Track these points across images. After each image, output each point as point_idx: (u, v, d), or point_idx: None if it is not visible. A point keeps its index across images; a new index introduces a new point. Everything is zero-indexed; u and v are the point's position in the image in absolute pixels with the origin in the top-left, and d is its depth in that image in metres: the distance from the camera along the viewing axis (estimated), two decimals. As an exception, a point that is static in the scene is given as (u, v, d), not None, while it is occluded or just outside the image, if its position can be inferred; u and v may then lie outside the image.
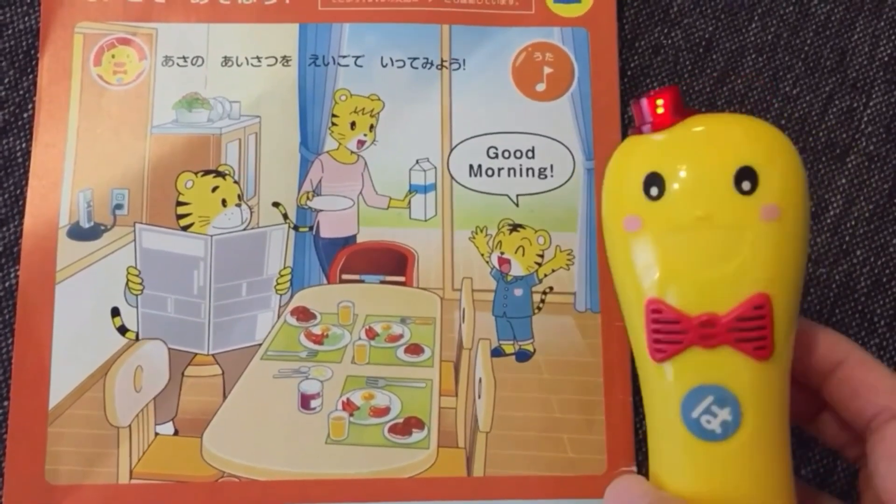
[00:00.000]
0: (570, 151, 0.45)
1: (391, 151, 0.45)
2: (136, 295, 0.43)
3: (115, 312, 0.42)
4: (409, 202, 0.44)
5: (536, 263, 0.44)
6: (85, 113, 0.44)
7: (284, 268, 0.44)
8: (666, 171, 0.31)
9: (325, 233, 0.44)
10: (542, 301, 0.44)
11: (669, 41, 0.47)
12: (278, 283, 0.43)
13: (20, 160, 0.44)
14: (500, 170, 0.45)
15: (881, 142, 0.46)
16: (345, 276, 0.44)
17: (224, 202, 0.44)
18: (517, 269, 0.44)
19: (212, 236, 0.43)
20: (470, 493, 0.41)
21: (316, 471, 0.41)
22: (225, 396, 0.42)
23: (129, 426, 0.41)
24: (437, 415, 0.42)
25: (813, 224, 0.45)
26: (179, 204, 0.43)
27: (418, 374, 0.43)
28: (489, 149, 0.45)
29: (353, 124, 0.45)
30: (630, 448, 0.42)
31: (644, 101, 0.32)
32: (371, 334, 0.43)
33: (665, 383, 0.31)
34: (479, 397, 0.42)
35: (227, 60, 0.45)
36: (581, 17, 0.46)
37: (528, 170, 0.45)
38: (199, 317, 0.43)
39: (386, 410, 0.42)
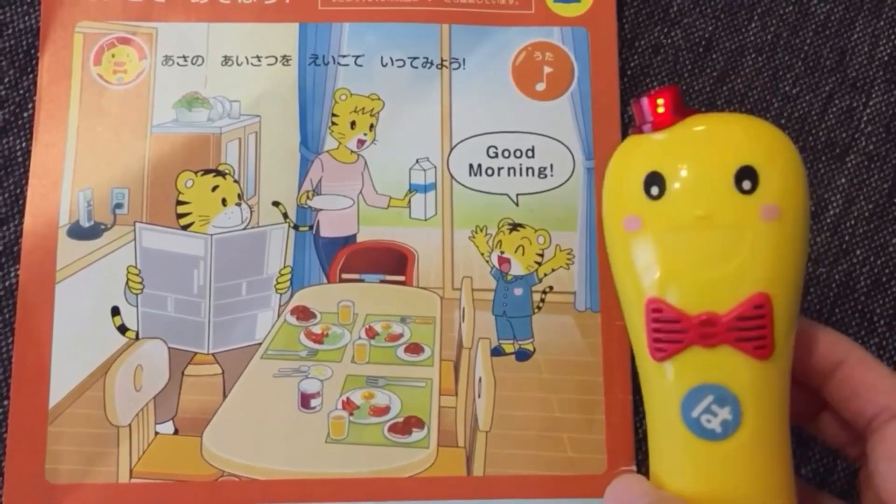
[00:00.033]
0: (570, 151, 0.45)
1: (391, 151, 0.45)
2: (136, 294, 0.43)
3: (115, 311, 0.42)
4: (409, 201, 0.44)
5: (536, 263, 0.44)
6: (85, 112, 0.44)
7: (284, 267, 0.44)
8: (666, 171, 0.31)
9: (325, 232, 0.44)
10: (542, 300, 0.44)
11: (669, 41, 0.47)
12: (278, 283, 0.43)
13: (20, 159, 0.44)
14: (499, 169, 0.45)
15: (881, 141, 0.46)
16: (345, 276, 0.44)
17: (224, 201, 0.44)
18: (517, 269, 0.44)
19: (212, 235, 0.43)
20: (470, 493, 0.41)
21: (316, 470, 0.41)
22: (225, 396, 0.42)
23: (129, 425, 0.41)
24: (437, 414, 0.42)
25: (813, 223, 0.45)
26: (179, 203, 0.43)
27: (418, 374, 0.43)
28: (489, 148, 0.45)
29: (353, 124, 0.45)
30: (630, 447, 0.42)
31: (644, 101, 0.32)
32: (371, 333, 0.43)
33: (665, 382, 0.31)
34: (479, 396, 0.42)
35: (227, 60, 0.45)
36: (581, 16, 0.46)
37: (527, 169, 0.45)
38: (199, 316, 0.43)
39: (386, 410, 0.42)
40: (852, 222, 0.45)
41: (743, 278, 0.30)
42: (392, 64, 0.45)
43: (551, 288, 0.44)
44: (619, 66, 0.46)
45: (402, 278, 0.44)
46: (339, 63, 0.45)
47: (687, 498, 0.30)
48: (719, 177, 0.30)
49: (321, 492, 0.41)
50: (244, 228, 0.44)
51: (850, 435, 0.34)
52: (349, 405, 0.42)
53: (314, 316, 0.43)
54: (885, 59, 0.47)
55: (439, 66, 0.45)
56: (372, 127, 0.45)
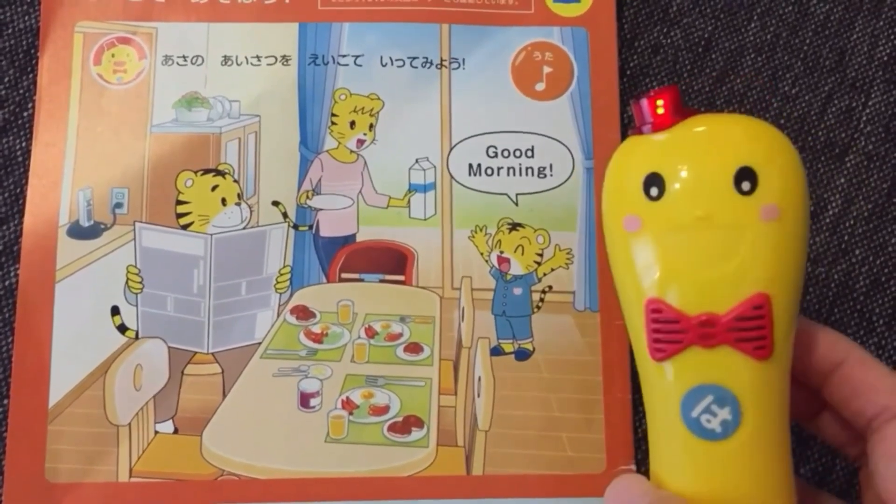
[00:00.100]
0: (570, 151, 0.45)
1: (391, 150, 0.45)
2: (136, 293, 0.43)
3: (115, 311, 0.42)
4: (409, 201, 0.44)
5: (536, 262, 0.44)
6: (85, 112, 0.44)
7: (284, 266, 0.44)
8: (666, 172, 0.31)
9: (325, 232, 0.44)
10: (542, 300, 0.44)
11: (669, 41, 0.47)
12: (278, 282, 0.43)
13: (20, 159, 0.44)
14: (499, 169, 0.45)
15: (880, 141, 0.46)
16: (344, 275, 0.44)
17: (224, 201, 0.44)
18: (516, 268, 0.44)
19: (211, 235, 0.43)
20: (469, 492, 0.41)
21: (315, 469, 0.41)
22: (224, 395, 0.42)
23: (129, 424, 0.41)
24: (437, 413, 0.42)
25: (812, 223, 0.45)
26: (179, 203, 0.43)
27: (418, 373, 0.43)
28: (489, 148, 0.45)
29: (352, 123, 0.45)
30: (629, 447, 0.42)
31: (644, 102, 0.32)
32: (370, 333, 0.43)
33: (665, 383, 0.31)
34: (479, 396, 0.42)
35: (226, 59, 0.45)
36: (580, 16, 0.46)
37: (527, 169, 0.45)
38: (199, 315, 0.43)
39: (385, 409, 0.42)
40: (851, 222, 0.45)
41: (742, 279, 0.30)
42: (392, 64, 0.45)
43: (550, 287, 0.44)
44: (619, 66, 0.46)
45: (401, 278, 0.44)
46: (338, 63, 0.45)
47: (687, 497, 0.30)
48: (719, 177, 0.30)
49: (321, 491, 0.41)
50: (244, 228, 0.44)
51: (850, 435, 0.34)
52: (349, 404, 0.42)
53: (314, 315, 0.43)
54: (885, 59, 0.47)
55: (439, 66, 0.46)
56: (371, 127, 0.45)
